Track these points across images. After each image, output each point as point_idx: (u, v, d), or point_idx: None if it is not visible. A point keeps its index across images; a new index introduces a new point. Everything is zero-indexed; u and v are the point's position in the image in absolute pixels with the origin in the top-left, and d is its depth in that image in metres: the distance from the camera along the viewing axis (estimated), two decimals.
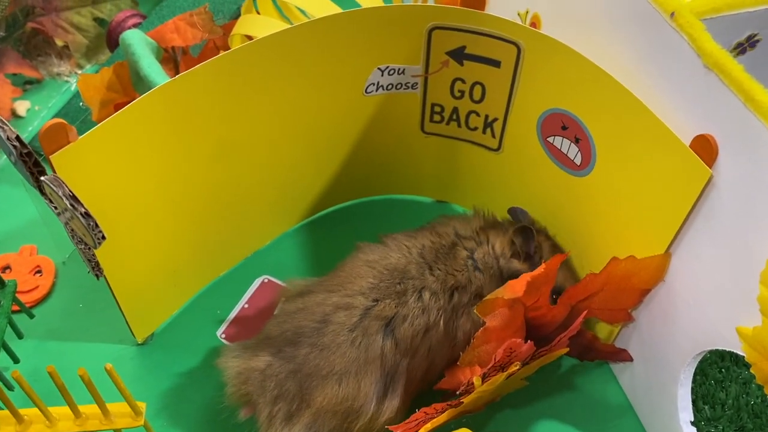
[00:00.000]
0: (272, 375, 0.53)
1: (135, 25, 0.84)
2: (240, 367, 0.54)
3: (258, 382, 0.53)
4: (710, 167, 0.46)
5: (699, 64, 0.46)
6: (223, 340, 0.65)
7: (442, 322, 0.56)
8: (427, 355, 0.56)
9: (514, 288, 0.53)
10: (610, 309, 0.57)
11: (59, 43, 0.87)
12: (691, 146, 0.47)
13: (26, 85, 0.87)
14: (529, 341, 0.51)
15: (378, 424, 0.54)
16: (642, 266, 0.53)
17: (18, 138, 0.46)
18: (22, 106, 0.84)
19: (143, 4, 0.92)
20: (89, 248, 0.51)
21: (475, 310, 0.53)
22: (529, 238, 0.58)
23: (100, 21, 0.89)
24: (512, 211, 0.65)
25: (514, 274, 0.57)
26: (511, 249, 0.59)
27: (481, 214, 0.63)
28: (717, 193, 0.47)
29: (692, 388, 0.57)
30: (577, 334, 0.58)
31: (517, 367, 0.52)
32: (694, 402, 0.60)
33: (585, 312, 0.55)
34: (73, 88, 0.86)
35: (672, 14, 0.47)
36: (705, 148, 0.46)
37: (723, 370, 0.63)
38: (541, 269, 0.52)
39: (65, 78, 0.87)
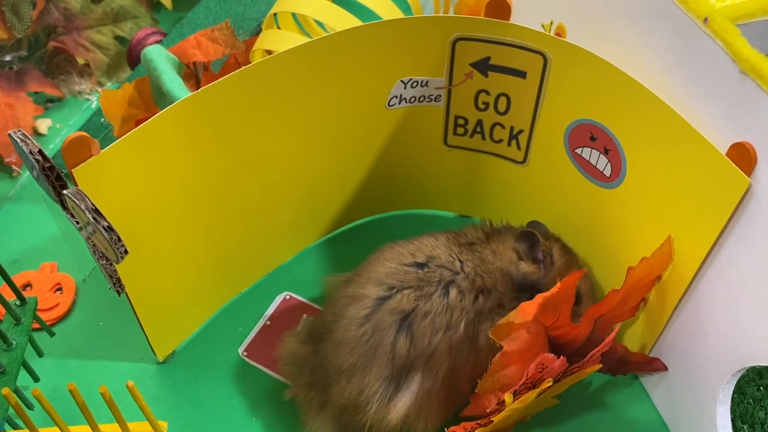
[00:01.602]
0: (309, 364, 0.55)
1: (155, 43, 0.84)
2: (291, 346, 0.58)
3: (298, 366, 0.56)
4: (748, 176, 0.45)
5: (734, 70, 0.44)
6: (245, 358, 0.64)
7: (462, 324, 0.53)
8: (448, 356, 0.53)
9: (526, 311, 0.51)
10: (627, 309, 0.56)
11: (80, 61, 0.88)
12: (727, 155, 0.46)
13: (48, 104, 0.87)
14: (561, 357, 0.50)
15: (389, 421, 0.53)
16: (654, 261, 0.53)
17: (41, 152, 0.46)
18: (43, 124, 0.84)
19: (164, 23, 0.92)
20: (111, 263, 0.50)
21: (489, 335, 0.51)
22: (533, 242, 0.56)
23: (120, 39, 0.89)
24: (530, 224, 0.63)
25: (525, 279, 0.56)
26: (516, 254, 0.57)
27: (487, 222, 0.62)
28: (756, 202, 0.45)
29: (730, 408, 0.55)
30: (613, 349, 0.57)
31: (549, 384, 0.50)
32: (732, 422, 0.58)
33: (617, 328, 0.53)
34: (94, 105, 0.86)
35: (705, 20, 0.46)
36: (743, 156, 0.45)
37: (761, 388, 0.61)
38: (555, 289, 0.50)
39: (86, 96, 0.87)
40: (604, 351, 0.53)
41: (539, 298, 0.51)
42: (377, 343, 0.52)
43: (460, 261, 0.55)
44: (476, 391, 0.53)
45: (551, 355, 0.49)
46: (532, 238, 0.56)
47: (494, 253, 0.56)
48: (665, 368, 0.58)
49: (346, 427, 0.54)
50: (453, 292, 0.53)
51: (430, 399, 0.53)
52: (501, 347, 0.51)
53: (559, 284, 0.51)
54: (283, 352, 0.58)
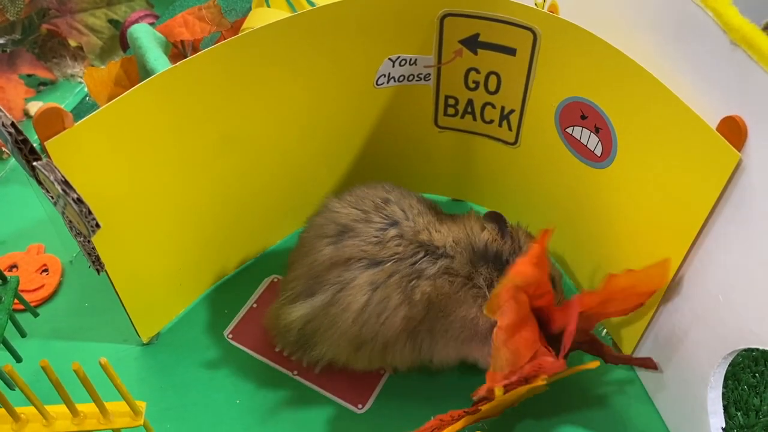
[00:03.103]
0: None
1: None
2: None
3: None
4: (739, 151, 0.43)
5: (725, 41, 0.43)
6: (231, 341, 0.63)
7: (391, 264, 0.52)
8: (366, 289, 0.52)
9: (524, 270, 0.49)
10: (620, 310, 0.54)
11: (73, 44, 0.87)
12: (717, 129, 0.44)
13: (40, 87, 0.86)
14: (561, 359, 0.48)
15: (283, 318, 0.55)
16: (641, 277, 0.51)
17: (13, 124, 0.45)
18: (35, 107, 0.83)
19: (158, 7, 0.91)
20: (88, 240, 0.49)
21: (484, 311, 0.50)
22: (501, 222, 0.55)
23: (114, 23, 0.88)
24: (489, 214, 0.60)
25: (488, 246, 0.54)
26: (481, 228, 0.55)
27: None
28: (747, 178, 0.43)
29: (724, 394, 0.53)
30: (599, 345, 0.56)
31: (543, 381, 0.48)
32: (726, 408, 0.57)
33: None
34: (86, 89, 0.86)
35: None
36: (733, 130, 0.43)
37: (757, 374, 0.59)
38: (532, 251, 0.49)
39: (79, 79, 0.87)
40: (592, 345, 0.53)
41: (525, 255, 0.50)
42: (311, 247, 0.54)
43: (420, 213, 0.55)
44: (491, 370, 0.50)
45: (550, 359, 0.48)
46: (501, 218, 0.56)
47: (450, 228, 0.55)
48: (656, 367, 0.56)
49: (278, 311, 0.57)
50: (392, 231, 0.53)
51: (334, 326, 0.52)
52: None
53: (534, 246, 0.50)
54: None
